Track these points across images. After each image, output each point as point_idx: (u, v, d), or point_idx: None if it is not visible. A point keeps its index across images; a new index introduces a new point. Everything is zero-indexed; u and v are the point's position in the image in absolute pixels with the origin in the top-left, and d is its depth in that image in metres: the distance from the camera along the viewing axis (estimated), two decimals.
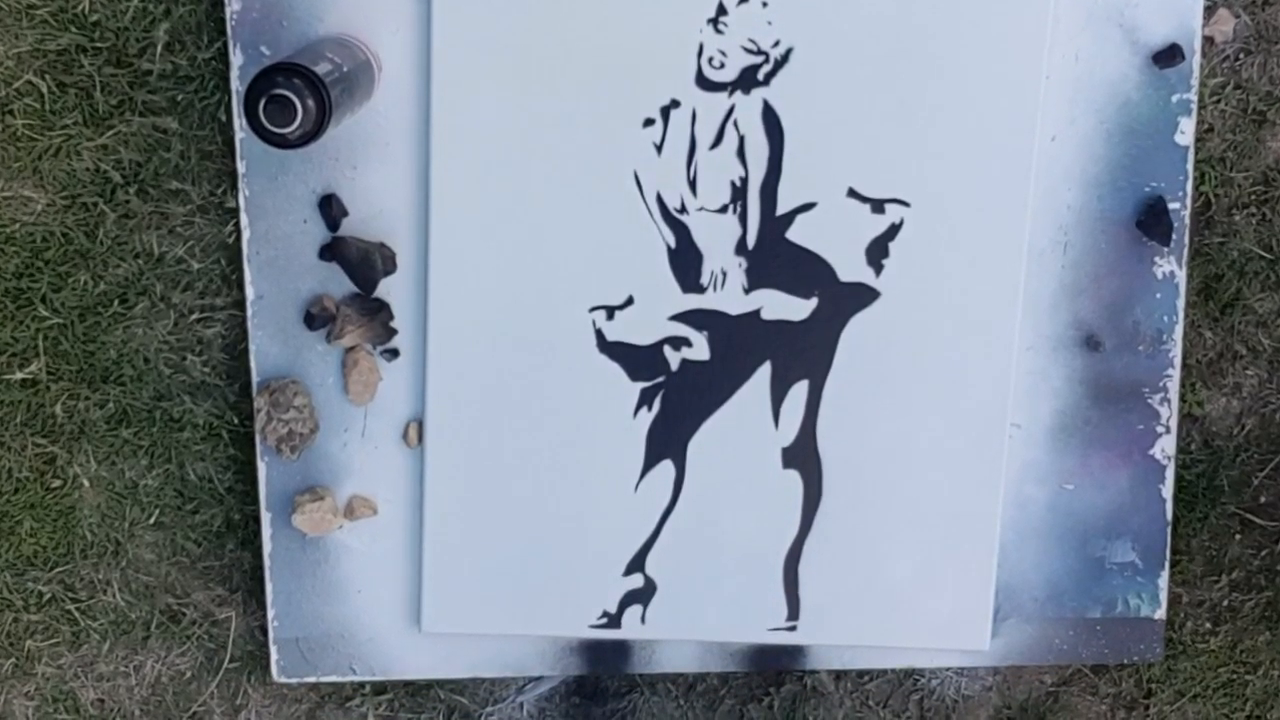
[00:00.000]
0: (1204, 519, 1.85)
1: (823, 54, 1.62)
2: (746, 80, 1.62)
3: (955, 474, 1.73)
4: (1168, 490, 1.77)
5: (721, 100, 1.63)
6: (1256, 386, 1.81)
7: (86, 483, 1.77)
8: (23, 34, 1.64)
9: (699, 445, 1.71)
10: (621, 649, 1.80)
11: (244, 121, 1.49)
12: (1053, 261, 1.70)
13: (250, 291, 1.67)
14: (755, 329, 1.68)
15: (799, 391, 1.70)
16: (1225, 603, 1.87)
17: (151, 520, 1.79)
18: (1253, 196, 1.76)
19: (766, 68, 1.62)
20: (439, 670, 1.80)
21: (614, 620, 1.76)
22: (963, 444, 1.72)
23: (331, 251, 1.66)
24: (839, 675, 1.88)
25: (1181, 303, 1.73)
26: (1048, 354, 1.73)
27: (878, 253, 1.67)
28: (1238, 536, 1.85)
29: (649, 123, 1.63)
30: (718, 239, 1.66)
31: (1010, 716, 1.89)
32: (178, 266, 1.70)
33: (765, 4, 1.61)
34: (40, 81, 1.65)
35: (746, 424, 1.71)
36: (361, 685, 1.85)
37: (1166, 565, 1.79)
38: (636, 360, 1.69)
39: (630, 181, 1.64)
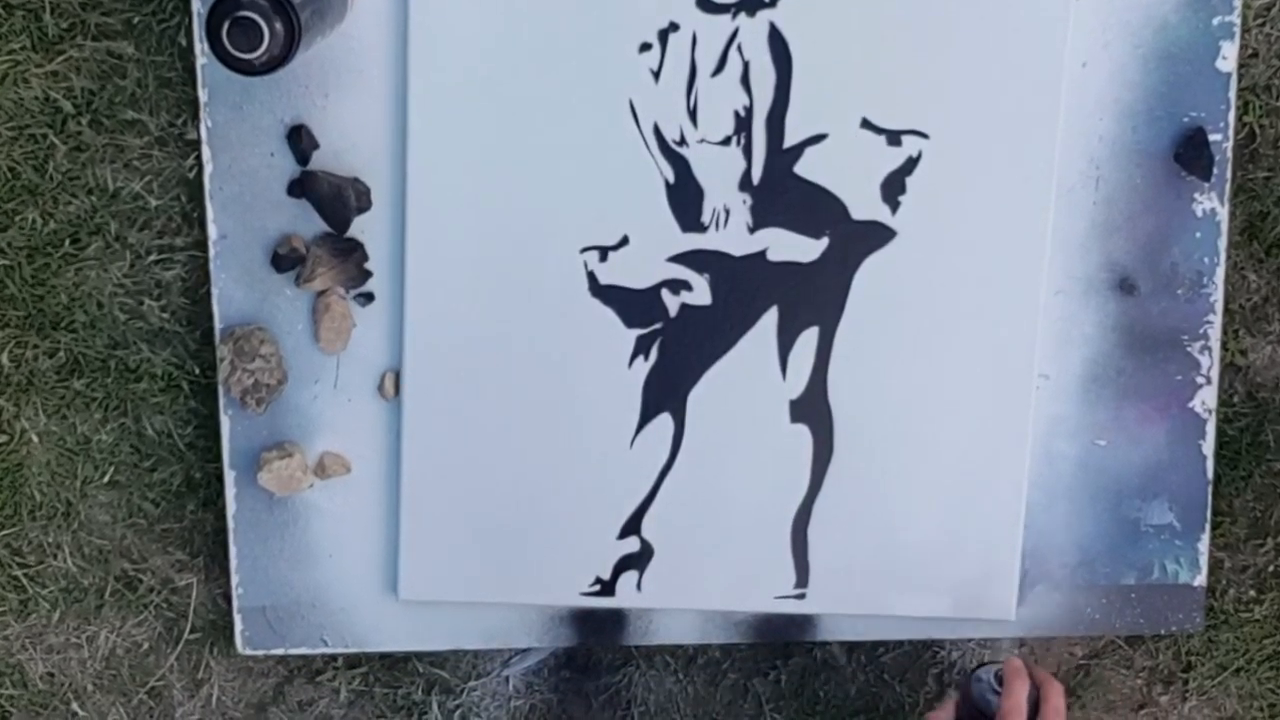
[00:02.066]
0: (1248, 477, 1.88)
1: None
2: (751, 1, 1.65)
3: (978, 429, 1.76)
4: (1208, 446, 1.80)
5: (724, 23, 1.66)
6: None
7: (35, 438, 1.81)
8: None
9: (700, 397, 1.74)
10: (616, 619, 1.84)
11: (206, 46, 1.49)
12: (1083, 198, 1.74)
13: (213, 230, 1.70)
14: (761, 271, 1.71)
15: (808, 339, 1.73)
16: (1271, 568, 1.91)
17: (105, 479, 1.82)
18: None
19: None
20: (417, 641, 1.83)
21: (607, 588, 1.80)
22: (986, 396, 1.75)
23: (301, 187, 1.69)
24: (851, 647, 1.92)
25: (1223, 242, 1.75)
26: (1078, 298, 1.76)
27: (894, 189, 1.70)
28: None
29: (645, 48, 1.66)
30: (720, 174, 1.69)
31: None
32: (134, 203, 1.73)
33: None
34: None
35: (751, 374, 1.74)
36: (333, 658, 1.89)
37: (1207, 528, 1.82)
38: (632, 305, 1.72)
39: (625, 111, 1.67)
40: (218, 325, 1.73)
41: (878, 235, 1.71)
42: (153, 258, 1.75)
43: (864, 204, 1.70)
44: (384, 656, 1.89)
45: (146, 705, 1.91)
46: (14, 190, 1.73)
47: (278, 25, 1.43)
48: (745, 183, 1.69)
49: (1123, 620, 1.85)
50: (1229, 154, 1.73)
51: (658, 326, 1.73)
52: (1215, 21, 1.70)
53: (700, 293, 1.72)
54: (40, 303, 1.76)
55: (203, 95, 1.67)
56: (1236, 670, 1.94)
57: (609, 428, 1.76)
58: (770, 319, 1.73)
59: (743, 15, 1.65)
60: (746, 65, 1.67)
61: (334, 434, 1.76)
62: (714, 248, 1.71)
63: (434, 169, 1.68)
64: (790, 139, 1.69)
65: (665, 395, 1.75)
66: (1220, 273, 1.76)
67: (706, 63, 1.67)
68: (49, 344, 1.77)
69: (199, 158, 1.70)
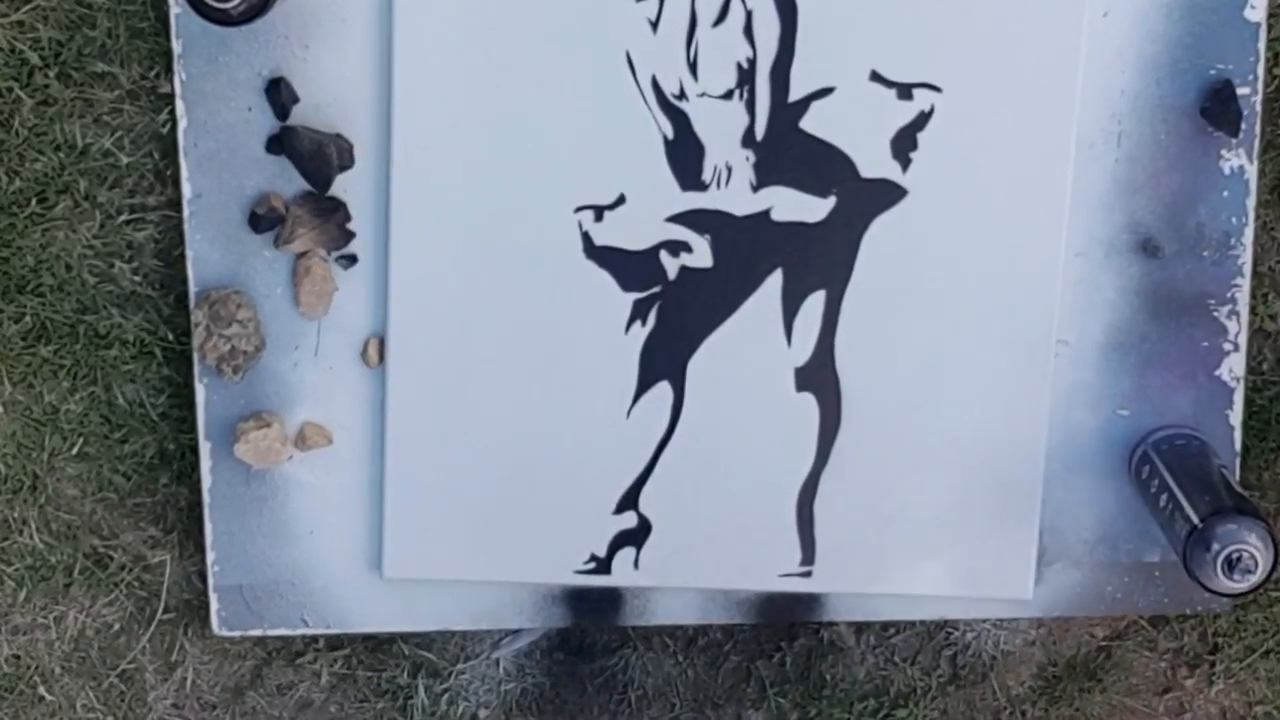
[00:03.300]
0: (1278, 449, 1.90)
1: None
2: None
3: (993, 398, 1.78)
4: (1236, 416, 1.82)
5: None
6: None
7: (0, 408, 1.83)
8: None
9: (700, 365, 1.76)
10: (612, 598, 1.86)
11: None
12: (1105, 155, 1.75)
13: (187, 189, 1.72)
14: (764, 232, 1.73)
15: (814, 303, 1.75)
16: None
17: (74, 450, 1.84)
18: None
19: None
20: (403, 622, 1.86)
21: (603, 565, 1.82)
22: (1002, 364, 1.77)
23: (280, 143, 1.70)
24: (860, 627, 1.94)
25: (1252, 201, 1.77)
26: (1099, 261, 1.78)
27: (905, 145, 1.71)
28: None
29: None
30: (722, 129, 1.71)
31: (1056, 674, 1.96)
32: (104, 160, 1.75)
33: None
34: None
35: (754, 341, 1.76)
36: (314, 639, 1.92)
37: None
38: (629, 267, 1.74)
39: (621, 63, 1.69)
40: (192, 289, 1.74)
41: (887, 194, 1.73)
42: (124, 218, 1.77)
43: (873, 161, 1.72)
44: (367, 638, 1.92)
45: (117, 689, 1.93)
46: None
47: None
48: (748, 139, 1.71)
49: (1146, 600, 1.87)
50: (1258, 108, 1.75)
51: (656, 290, 1.75)
52: None
53: (701, 254, 1.74)
54: (5, 265, 1.78)
55: (176, 46, 1.68)
56: (1266, 652, 1.96)
57: (605, 397, 1.77)
58: (774, 282, 1.75)
59: None
60: (750, 14, 1.68)
61: (315, 403, 1.78)
62: (715, 207, 1.73)
63: (420, 124, 1.70)
64: (795, 92, 1.70)
65: (664, 363, 1.76)
66: (1249, 233, 1.77)
67: (707, 12, 1.69)
68: (14, 309, 1.79)
69: (173, 112, 1.71)
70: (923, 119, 1.71)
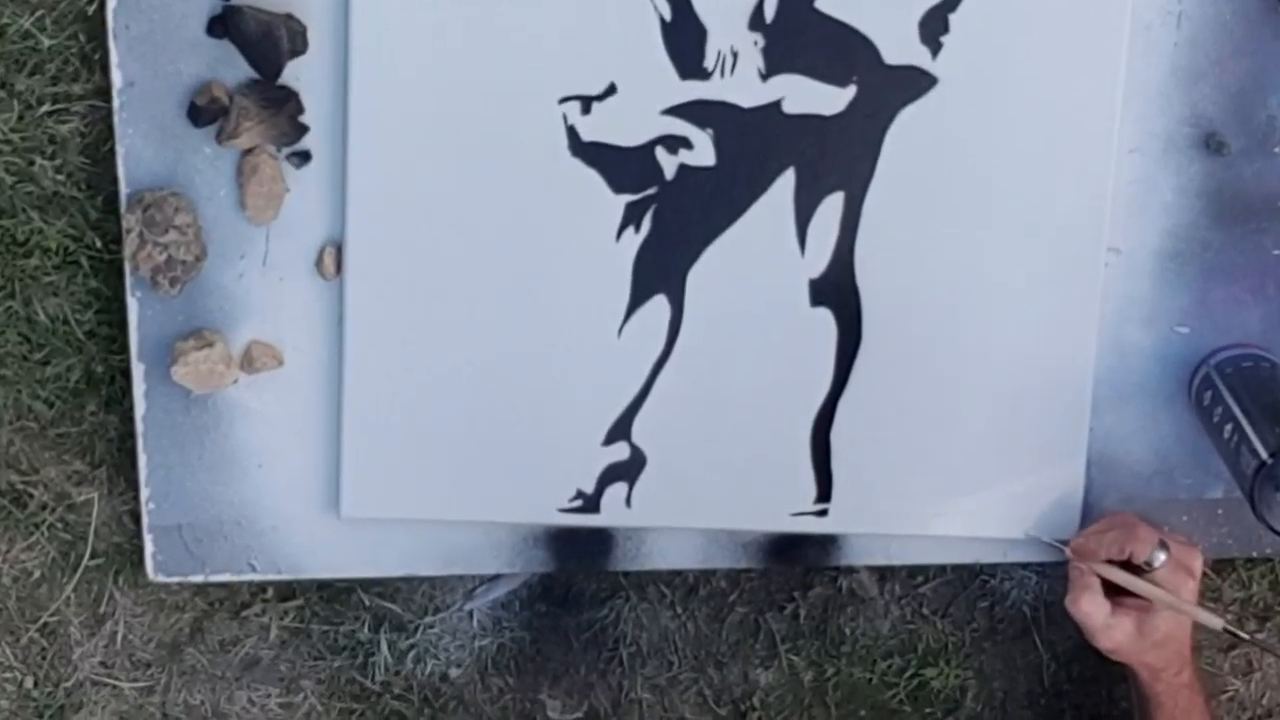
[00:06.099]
0: None
1: None
2: None
3: (1035, 314, 1.82)
4: None
5: None
6: None
7: None
8: None
9: (701, 276, 1.80)
10: (601, 540, 1.90)
11: None
12: (1163, 38, 1.78)
13: (118, 77, 1.74)
14: (775, 126, 1.76)
15: (831, 207, 1.78)
16: None
17: None
18: None
19: None
20: (363, 568, 1.89)
21: (591, 503, 1.86)
22: (1045, 275, 1.81)
23: (223, 25, 1.72)
24: (884, 574, 1.98)
25: None
26: (1156, 158, 1.81)
27: (935, 27, 1.74)
28: None
29: None
30: (726, 9, 1.73)
31: None
32: (23, 43, 1.77)
33: None
34: None
35: (763, 249, 1.79)
36: (263, 588, 1.95)
37: None
38: (621, 166, 1.76)
39: None
40: (123, 190, 1.76)
41: (915, 83, 1.76)
42: (45, 108, 1.79)
43: (899, 45, 1.75)
44: (323, 586, 1.96)
45: (38, 645, 1.98)
46: None
47: None
48: (756, 20, 1.74)
49: (1208, 541, 1.90)
50: None
51: (651, 192, 1.77)
52: None
53: (702, 151, 1.77)
54: None
55: None
56: None
57: (592, 313, 1.80)
58: (786, 183, 1.78)
59: None
60: None
61: (263, 320, 1.81)
62: (719, 98, 1.75)
63: (383, 1, 1.71)
64: None
65: (660, 274, 1.79)
66: None
67: None
68: None
69: None
70: None
